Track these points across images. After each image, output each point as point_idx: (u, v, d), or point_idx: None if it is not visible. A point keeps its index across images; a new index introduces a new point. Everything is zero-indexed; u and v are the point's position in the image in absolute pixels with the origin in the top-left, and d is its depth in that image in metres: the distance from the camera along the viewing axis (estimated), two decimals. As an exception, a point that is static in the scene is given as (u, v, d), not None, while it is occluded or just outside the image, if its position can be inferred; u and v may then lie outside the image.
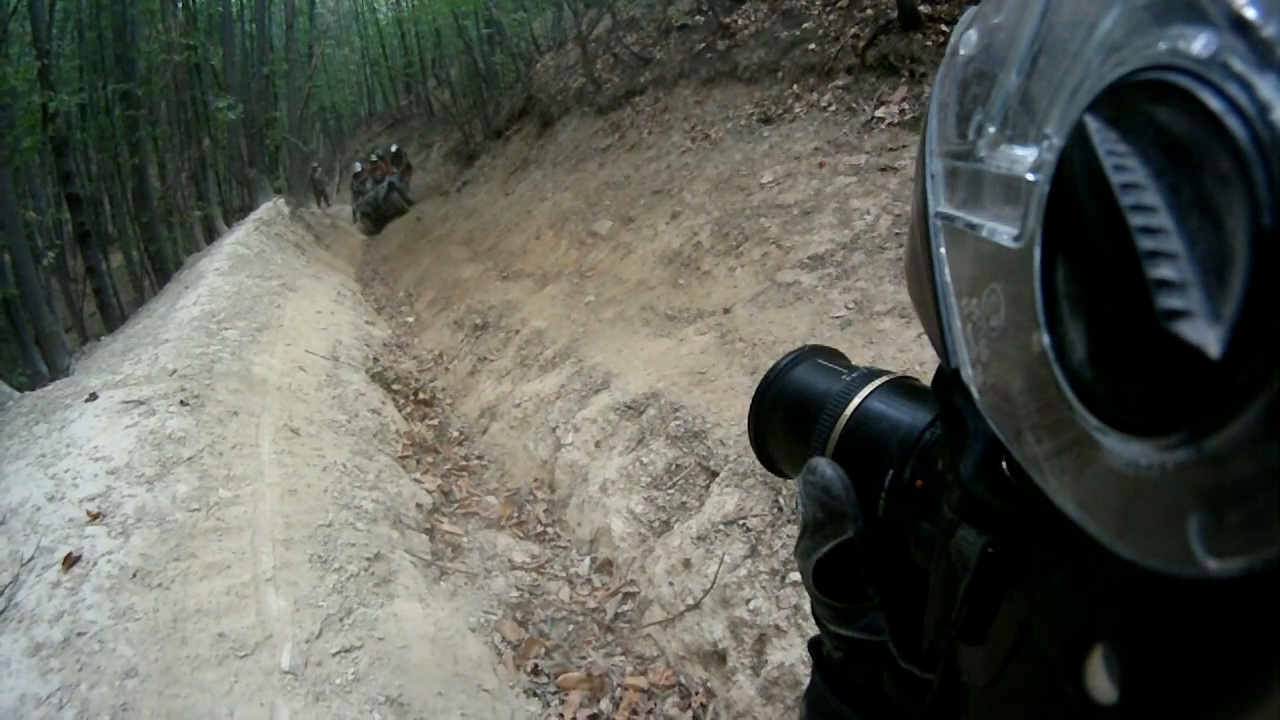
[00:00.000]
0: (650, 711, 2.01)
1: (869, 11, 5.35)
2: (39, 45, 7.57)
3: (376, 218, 12.12)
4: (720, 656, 2.01)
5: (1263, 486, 0.11)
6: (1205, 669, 0.14)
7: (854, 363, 0.38)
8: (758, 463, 0.41)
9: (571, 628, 2.36)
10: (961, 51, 0.23)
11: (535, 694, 2.07)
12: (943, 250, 0.23)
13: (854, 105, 4.86)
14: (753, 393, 0.39)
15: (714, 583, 2.13)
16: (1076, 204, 0.15)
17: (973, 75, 0.22)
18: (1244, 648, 0.13)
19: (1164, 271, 0.12)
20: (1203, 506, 0.12)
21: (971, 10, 0.24)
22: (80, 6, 10.36)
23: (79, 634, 1.85)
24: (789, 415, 0.36)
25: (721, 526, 2.26)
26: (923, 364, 2.38)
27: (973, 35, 0.23)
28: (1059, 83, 0.17)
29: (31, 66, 7.77)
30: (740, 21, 6.92)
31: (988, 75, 0.21)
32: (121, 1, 9.48)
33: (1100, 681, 0.16)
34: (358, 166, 13.12)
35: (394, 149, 13.37)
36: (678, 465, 2.66)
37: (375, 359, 4.95)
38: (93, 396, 3.11)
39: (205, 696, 1.74)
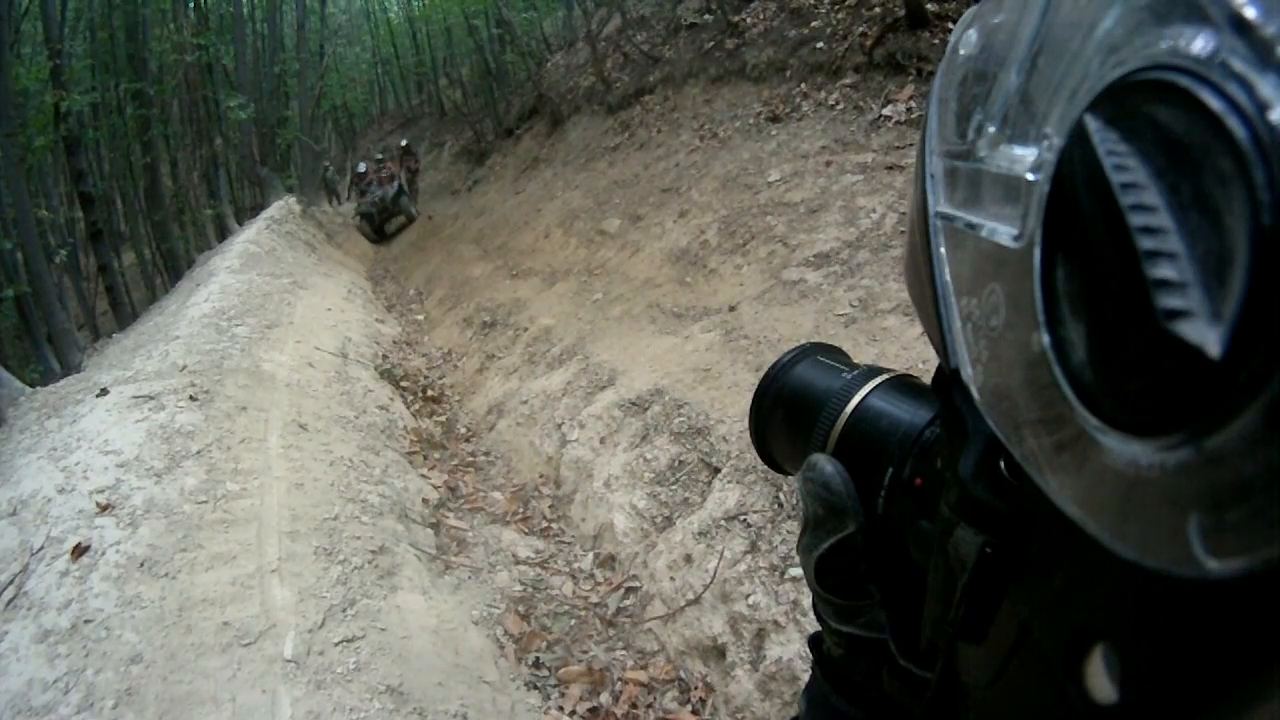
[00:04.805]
0: (650, 705, 2.02)
1: (877, 10, 5.33)
2: (51, 45, 7.63)
3: (380, 222, 11.44)
4: (720, 651, 2.02)
5: (1263, 486, 0.11)
6: (1205, 669, 0.14)
7: (856, 360, 0.38)
8: (759, 459, 0.41)
9: (574, 622, 2.37)
10: (961, 51, 0.23)
11: (536, 686, 2.08)
12: (942, 250, 0.23)
13: (861, 104, 4.84)
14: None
15: (714, 578, 2.13)
16: (1076, 204, 0.15)
17: (973, 74, 0.22)
18: (1244, 648, 0.13)
19: (1164, 271, 0.12)
20: (1203, 506, 0.12)
21: (972, 9, 0.24)
22: (92, 6, 10.45)
23: (86, 621, 1.88)
24: (790, 412, 0.36)
25: (723, 522, 2.26)
26: (925, 361, 2.37)
27: (973, 34, 0.23)
28: (1059, 82, 0.17)
29: (44, 66, 7.85)
30: (749, 20, 6.89)
31: (988, 75, 0.21)
32: (133, 1, 9.55)
33: (1100, 681, 0.16)
34: (362, 166, 12.47)
35: (404, 143, 13.16)
36: (681, 461, 2.66)
37: (384, 356, 4.98)
38: (104, 391, 3.14)
39: (208, 682, 1.76)
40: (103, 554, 2.11)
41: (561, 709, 2.02)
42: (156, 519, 2.31)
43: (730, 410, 2.72)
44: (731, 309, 3.60)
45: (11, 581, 2.00)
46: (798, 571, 1.99)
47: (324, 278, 7.20)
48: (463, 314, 5.96)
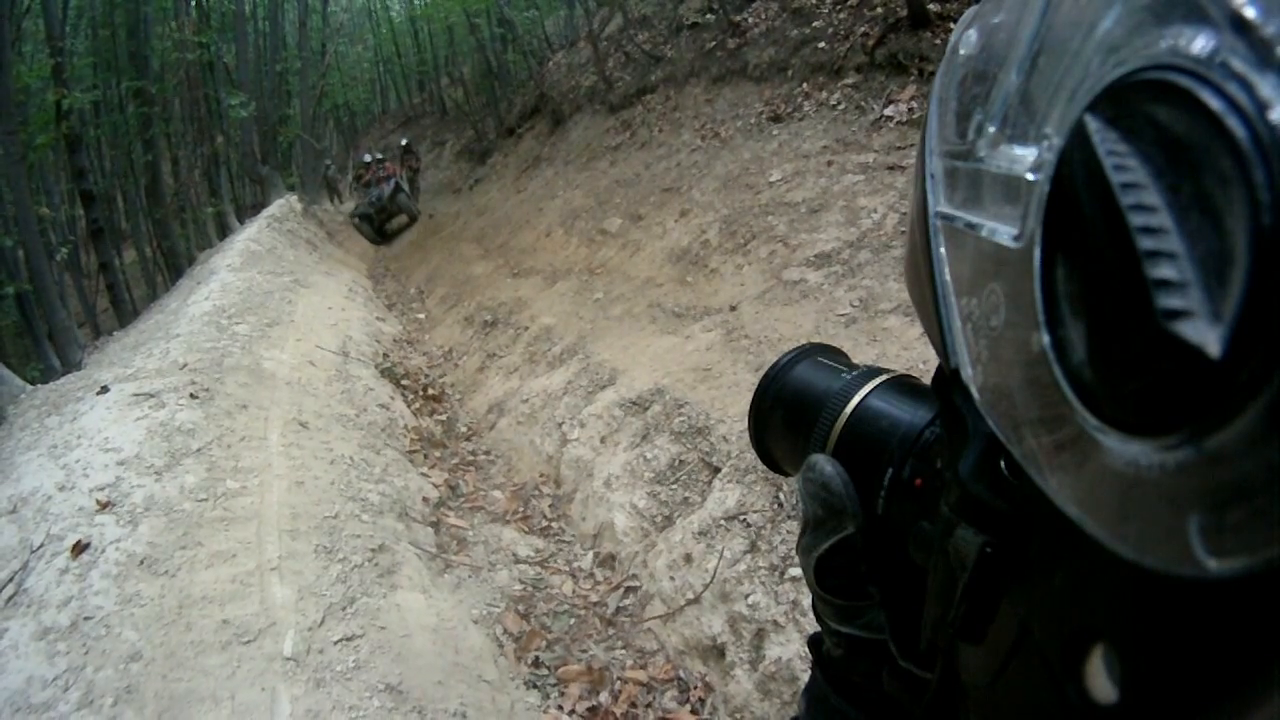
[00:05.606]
0: (649, 705, 2.02)
1: (878, 10, 5.32)
2: (53, 43, 7.64)
3: (380, 222, 11.29)
4: (719, 651, 2.02)
5: (1263, 486, 0.11)
6: (1205, 669, 0.14)
7: (856, 360, 0.38)
8: (759, 459, 0.41)
9: (573, 621, 2.37)
10: (962, 51, 0.23)
11: (535, 685, 2.08)
12: (942, 250, 0.23)
13: (863, 104, 4.83)
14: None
15: (714, 578, 2.13)
16: (1076, 204, 0.15)
17: (973, 74, 0.22)
18: (1244, 648, 0.13)
19: (1164, 271, 0.12)
20: (1203, 506, 0.12)
21: (972, 9, 0.24)
22: (93, 4, 10.47)
23: (86, 619, 1.88)
24: (789, 413, 0.36)
25: (723, 522, 2.26)
26: (926, 362, 2.37)
27: (973, 35, 0.23)
28: (1059, 82, 0.17)
29: (45, 64, 7.86)
30: (750, 20, 6.89)
31: (988, 75, 0.21)
32: (135, -1, 9.56)
33: (1100, 681, 0.16)
34: (366, 157, 12.28)
35: (404, 142, 13.10)
36: (681, 461, 2.66)
37: (385, 354, 4.98)
38: (104, 389, 3.14)
39: (208, 680, 1.76)
40: (102, 551, 2.11)
41: (561, 708, 2.02)
42: (156, 517, 2.31)
43: (730, 410, 2.72)
44: (732, 309, 3.60)
45: (11, 579, 2.00)
46: (797, 571, 1.99)
47: (325, 276, 7.20)
48: (464, 313, 5.96)
